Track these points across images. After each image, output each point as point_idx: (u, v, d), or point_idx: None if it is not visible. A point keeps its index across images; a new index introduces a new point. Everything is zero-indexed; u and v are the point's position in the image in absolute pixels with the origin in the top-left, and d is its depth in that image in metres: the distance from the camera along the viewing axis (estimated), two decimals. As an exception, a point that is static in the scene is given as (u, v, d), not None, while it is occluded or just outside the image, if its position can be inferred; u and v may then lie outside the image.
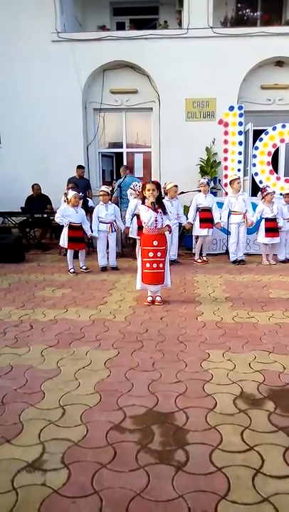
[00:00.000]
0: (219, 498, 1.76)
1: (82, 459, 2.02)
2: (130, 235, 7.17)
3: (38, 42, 9.76)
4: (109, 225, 6.66)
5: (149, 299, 4.81)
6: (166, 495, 1.78)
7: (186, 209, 7.67)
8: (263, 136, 8.39)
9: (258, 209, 7.19)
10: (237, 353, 3.32)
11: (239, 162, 8.80)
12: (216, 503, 1.73)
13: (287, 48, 9.50)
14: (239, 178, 7.47)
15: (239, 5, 11.05)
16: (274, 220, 7.16)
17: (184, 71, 9.65)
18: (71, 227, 6.52)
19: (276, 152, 9.09)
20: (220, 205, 7.43)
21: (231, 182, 7.30)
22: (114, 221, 6.76)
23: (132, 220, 6.89)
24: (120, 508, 1.72)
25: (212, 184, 8.25)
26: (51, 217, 8.79)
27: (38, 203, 8.97)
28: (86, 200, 8.15)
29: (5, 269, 6.83)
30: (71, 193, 6.65)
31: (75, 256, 6.73)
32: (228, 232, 7.50)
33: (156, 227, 4.63)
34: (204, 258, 7.46)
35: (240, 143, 8.72)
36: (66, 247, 6.62)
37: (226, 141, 8.79)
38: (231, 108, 8.69)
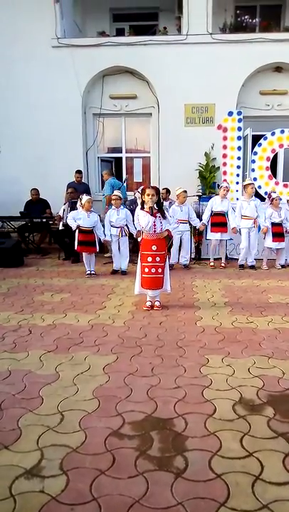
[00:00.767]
0: (218, 505, 1.74)
1: (80, 465, 2.01)
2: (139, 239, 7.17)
3: (37, 47, 9.82)
4: (119, 229, 6.68)
5: (148, 303, 4.80)
6: (165, 502, 1.77)
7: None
8: (261, 141, 8.42)
9: (266, 213, 7.23)
10: (236, 358, 3.31)
11: (238, 167, 8.82)
12: (215, 510, 1.72)
13: (286, 53, 9.56)
14: (253, 183, 7.48)
15: (238, 11, 11.13)
16: (280, 224, 7.20)
17: (183, 77, 9.70)
18: (81, 230, 6.56)
19: (275, 157, 9.12)
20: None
21: (245, 187, 7.32)
22: (126, 225, 6.77)
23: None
24: (119, 515, 1.71)
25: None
26: (50, 222, 8.80)
27: (37, 207, 8.97)
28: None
29: (4, 274, 6.82)
30: (85, 198, 6.67)
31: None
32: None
33: (154, 231, 4.63)
34: (222, 264, 7.44)
35: (239, 148, 8.75)
36: (76, 249, 6.70)
37: (224, 147, 8.81)
38: (230, 113, 8.73)
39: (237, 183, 8.65)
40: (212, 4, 9.60)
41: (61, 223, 7.68)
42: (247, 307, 4.81)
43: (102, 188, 9.48)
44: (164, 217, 4.70)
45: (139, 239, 6.96)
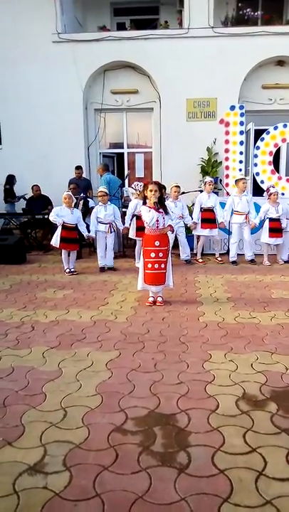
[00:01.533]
0: (222, 501, 1.74)
1: (83, 461, 2.01)
2: (129, 236, 7.16)
3: (38, 43, 9.78)
4: (108, 225, 6.66)
5: (151, 299, 4.80)
6: (168, 497, 1.77)
7: (188, 209, 7.65)
8: (264, 135, 8.36)
9: (263, 209, 7.15)
10: (239, 353, 3.31)
11: (240, 162, 8.78)
12: (218, 505, 1.72)
13: (288, 47, 9.48)
14: (245, 178, 7.44)
15: (240, 4, 11.03)
16: (278, 220, 7.12)
17: (185, 71, 9.64)
18: (65, 227, 6.51)
19: (277, 152, 9.07)
20: (222, 204, 7.42)
21: (237, 181, 7.27)
22: (114, 221, 6.75)
23: (131, 220, 6.88)
24: (122, 510, 1.71)
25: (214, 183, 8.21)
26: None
27: (39, 204, 8.97)
28: (87, 201, 8.14)
29: (6, 271, 6.83)
30: (65, 193, 6.62)
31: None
32: (229, 232, 7.49)
33: (157, 227, 4.62)
34: (218, 258, 7.42)
35: (241, 143, 8.70)
36: (58, 246, 6.60)
37: (227, 141, 8.77)
38: (232, 108, 8.68)
39: (238, 178, 8.61)
40: (213, -3, 9.53)
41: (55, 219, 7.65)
42: (250, 302, 4.80)
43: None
44: (166, 212, 4.69)
45: (130, 235, 7.02)
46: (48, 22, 9.68)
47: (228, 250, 7.56)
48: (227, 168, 8.91)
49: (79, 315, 4.41)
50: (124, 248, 8.33)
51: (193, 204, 8.23)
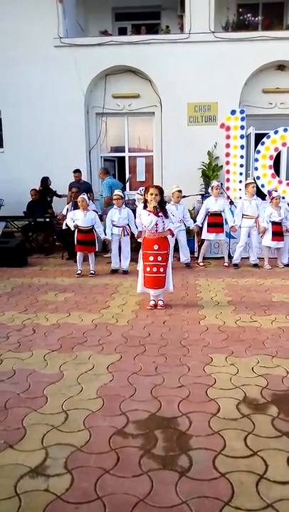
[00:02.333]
0: (223, 504, 1.75)
1: (85, 464, 2.02)
2: (139, 240, 7.18)
3: (40, 47, 9.84)
4: (121, 228, 6.67)
5: (152, 302, 4.81)
6: (169, 501, 1.77)
7: (189, 212, 7.66)
8: (264, 139, 8.38)
9: (266, 212, 7.20)
10: (240, 357, 3.31)
11: (241, 166, 8.79)
12: (219, 509, 1.73)
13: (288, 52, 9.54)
14: (254, 182, 7.47)
15: (240, 9, 11.10)
16: (280, 223, 7.17)
17: (186, 75, 9.69)
18: (80, 230, 6.57)
19: (278, 156, 9.09)
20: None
21: (246, 186, 7.32)
22: (128, 225, 6.76)
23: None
24: (123, 514, 1.71)
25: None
26: (54, 222, 8.81)
27: (39, 207, 9.00)
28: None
29: (8, 273, 6.84)
30: (81, 197, 6.66)
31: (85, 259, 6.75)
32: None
33: (156, 231, 4.64)
34: (225, 264, 7.36)
35: (242, 147, 8.72)
36: (75, 249, 6.69)
37: (227, 145, 8.79)
38: (233, 112, 8.70)
39: (240, 181, 8.62)
40: (214, 2, 9.59)
41: (64, 223, 7.70)
42: (250, 306, 4.80)
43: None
44: (166, 216, 4.70)
45: (139, 239, 7.03)
46: (49, 26, 9.73)
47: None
48: (228, 172, 8.92)
49: (80, 318, 4.41)
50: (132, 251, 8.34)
51: (193, 208, 8.25)
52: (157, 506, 1.74)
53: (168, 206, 7.17)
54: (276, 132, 8.33)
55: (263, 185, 8.35)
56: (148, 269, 4.65)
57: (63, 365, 3.19)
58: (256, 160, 8.45)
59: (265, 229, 7.11)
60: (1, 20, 9.94)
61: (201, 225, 7.33)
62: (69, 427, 2.34)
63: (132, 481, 1.89)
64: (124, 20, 11.55)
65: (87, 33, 11.16)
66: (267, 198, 7.47)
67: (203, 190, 9.45)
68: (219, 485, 1.86)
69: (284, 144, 8.43)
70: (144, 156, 10.78)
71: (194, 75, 9.67)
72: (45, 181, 9.46)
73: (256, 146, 8.55)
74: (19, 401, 2.64)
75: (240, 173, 8.80)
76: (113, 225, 6.71)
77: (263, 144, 8.40)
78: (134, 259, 7.29)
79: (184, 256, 7.28)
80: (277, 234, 7.14)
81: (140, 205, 6.95)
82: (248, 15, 10.86)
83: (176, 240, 7.13)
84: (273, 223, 7.15)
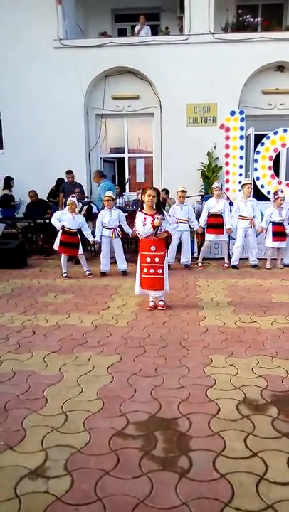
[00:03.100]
0: (223, 506, 1.75)
1: (85, 465, 2.01)
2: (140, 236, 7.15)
3: (40, 49, 9.85)
4: (112, 230, 6.66)
5: (152, 304, 4.81)
6: (169, 502, 1.77)
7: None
8: (264, 140, 8.39)
9: (267, 212, 7.19)
10: (240, 358, 3.31)
11: (241, 167, 8.79)
12: (219, 510, 1.72)
13: (288, 53, 9.54)
14: (249, 183, 7.47)
15: (240, 11, 11.13)
16: (281, 224, 7.16)
17: (185, 76, 9.70)
18: (65, 231, 6.54)
19: (277, 157, 9.10)
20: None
21: (242, 187, 7.31)
22: (119, 226, 6.75)
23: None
24: (123, 515, 1.71)
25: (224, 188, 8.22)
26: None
27: (38, 209, 9.01)
28: (91, 207, 8.12)
29: (7, 275, 6.84)
30: (70, 200, 6.64)
31: (78, 261, 6.71)
32: (230, 237, 7.49)
33: (155, 234, 4.63)
34: (226, 264, 7.36)
35: (241, 147, 8.72)
36: (57, 249, 6.66)
37: (227, 146, 8.79)
38: (232, 113, 8.71)
39: (240, 182, 8.62)
40: (214, 4, 9.61)
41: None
42: (250, 307, 4.80)
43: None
44: (164, 218, 4.69)
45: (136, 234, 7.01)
46: (49, 28, 9.74)
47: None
48: (227, 173, 8.92)
49: (80, 319, 4.41)
50: (125, 253, 8.34)
51: (194, 208, 8.24)
52: (157, 507, 1.74)
53: (173, 207, 7.21)
54: (276, 133, 8.34)
55: (262, 186, 8.35)
56: (145, 270, 4.66)
57: (63, 366, 3.18)
58: (256, 161, 8.45)
59: (262, 229, 7.10)
60: (1, 22, 9.95)
61: (204, 226, 7.35)
62: (69, 428, 2.33)
63: (132, 483, 1.89)
64: (124, 21, 11.57)
65: (86, 34, 11.17)
66: (271, 196, 7.46)
67: (203, 191, 9.47)
68: (219, 486, 1.86)
69: (283, 145, 8.43)
70: (143, 157, 10.78)
71: (194, 76, 9.68)
72: (59, 182, 9.44)
73: (256, 146, 8.55)
74: (19, 402, 2.64)
75: (240, 174, 8.80)
76: (104, 227, 6.68)
77: (262, 144, 8.41)
78: (133, 261, 7.29)
79: (185, 257, 7.28)
80: (279, 234, 7.13)
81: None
82: (248, 16, 10.89)
83: (180, 241, 7.15)
84: (274, 224, 7.14)
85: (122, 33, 11.45)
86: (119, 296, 5.42)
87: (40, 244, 9.08)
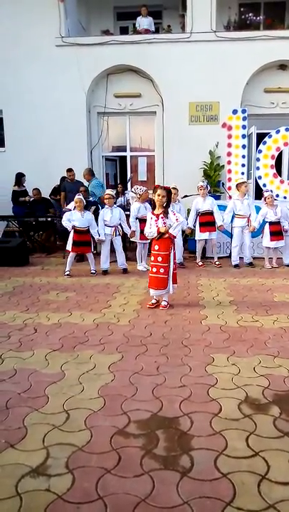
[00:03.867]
0: (224, 505, 1.74)
1: (86, 464, 2.01)
2: (132, 239, 7.16)
3: (42, 46, 9.84)
4: (113, 228, 6.66)
5: (153, 301, 4.81)
6: (171, 501, 1.77)
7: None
8: (266, 139, 8.38)
9: (261, 212, 7.14)
10: (242, 357, 3.30)
11: (243, 165, 8.79)
12: (221, 509, 1.72)
13: (291, 51, 9.52)
14: (246, 182, 7.45)
15: (242, 9, 11.10)
16: (278, 223, 7.09)
17: (187, 75, 9.68)
18: (76, 231, 6.56)
19: (280, 155, 9.08)
20: (223, 208, 7.41)
21: (238, 185, 7.26)
22: (120, 225, 6.74)
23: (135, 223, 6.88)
24: (125, 514, 1.71)
25: (209, 188, 8.22)
26: (55, 221, 8.82)
27: (40, 206, 9.01)
28: (98, 208, 8.07)
29: (9, 273, 6.84)
30: (77, 197, 6.63)
31: (81, 259, 6.68)
32: (231, 236, 7.48)
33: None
34: (216, 262, 7.36)
35: (243, 146, 8.72)
36: (70, 250, 6.65)
37: (229, 145, 8.79)
38: (235, 111, 8.70)
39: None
40: (216, 2, 9.58)
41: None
42: (252, 306, 4.79)
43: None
44: (167, 217, 4.70)
45: (132, 238, 7.03)
46: (51, 26, 9.73)
47: (230, 254, 7.56)
48: (229, 171, 8.92)
49: (82, 318, 4.41)
50: (126, 251, 8.33)
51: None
52: (158, 506, 1.74)
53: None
54: (278, 132, 8.32)
55: (264, 185, 8.34)
56: (154, 269, 4.69)
57: (64, 364, 3.18)
58: (258, 159, 8.44)
59: (254, 228, 7.05)
60: (2, 20, 9.95)
61: (193, 227, 7.32)
62: (70, 426, 2.33)
63: (133, 481, 1.89)
64: (126, 19, 11.54)
65: (88, 32, 11.16)
66: (262, 198, 7.44)
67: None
68: (221, 485, 1.85)
69: (286, 144, 8.42)
70: (145, 155, 10.78)
71: (196, 75, 9.66)
72: (63, 181, 9.44)
73: (258, 145, 8.54)
74: (20, 400, 2.64)
75: (242, 173, 8.80)
76: (105, 225, 6.68)
77: (264, 143, 8.40)
78: (132, 259, 7.28)
79: (177, 256, 7.23)
80: (276, 233, 7.06)
81: (135, 204, 6.96)
82: (250, 14, 10.87)
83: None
84: (270, 223, 7.09)
85: (124, 31, 11.45)
86: (121, 294, 5.42)
87: (42, 242, 9.08)
